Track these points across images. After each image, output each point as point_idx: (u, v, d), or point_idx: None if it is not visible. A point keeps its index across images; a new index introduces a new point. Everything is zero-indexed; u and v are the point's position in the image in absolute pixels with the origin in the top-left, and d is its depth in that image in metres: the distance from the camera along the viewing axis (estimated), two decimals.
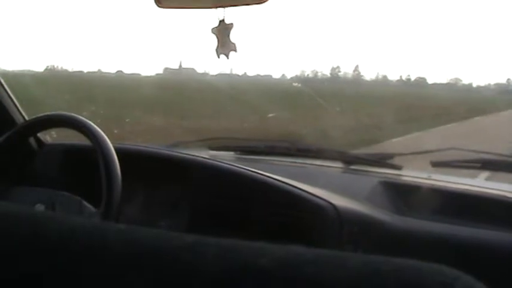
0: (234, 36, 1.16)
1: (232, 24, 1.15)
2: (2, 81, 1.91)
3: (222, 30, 1.15)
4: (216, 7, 1.13)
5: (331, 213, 1.49)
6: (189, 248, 0.44)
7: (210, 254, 0.43)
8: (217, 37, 1.16)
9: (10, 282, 0.44)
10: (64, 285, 0.43)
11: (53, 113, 1.68)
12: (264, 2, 1.14)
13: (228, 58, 1.18)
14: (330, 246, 1.47)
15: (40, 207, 1.52)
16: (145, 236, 0.46)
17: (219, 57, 1.17)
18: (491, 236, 1.46)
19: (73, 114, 1.63)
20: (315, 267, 0.41)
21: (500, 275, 1.37)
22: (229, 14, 1.15)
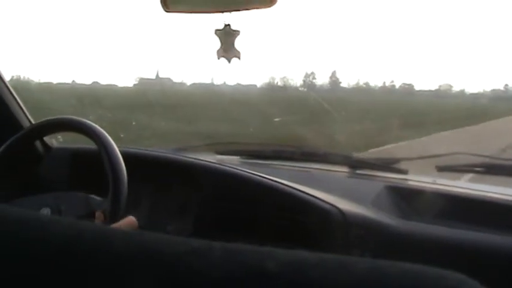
0: (238, 44, 1.16)
1: (239, 31, 1.15)
2: (9, 85, 1.92)
3: (226, 34, 1.15)
4: (223, 11, 1.14)
5: (337, 218, 1.49)
6: (195, 252, 0.44)
7: (216, 258, 0.43)
8: (220, 40, 1.16)
9: (11, 284, 0.44)
10: (66, 287, 0.43)
11: (60, 117, 1.68)
12: (271, 6, 1.14)
13: (229, 62, 1.18)
14: (336, 250, 1.47)
15: (46, 211, 1.52)
16: (151, 240, 0.47)
17: (219, 59, 1.17)
18: (497, 241, 1.46)
19: (79, 118, 1.63)
20: (321, 271, 0.41)
21: (506, 280, 1.36)
22: (234, 19, 1.15)
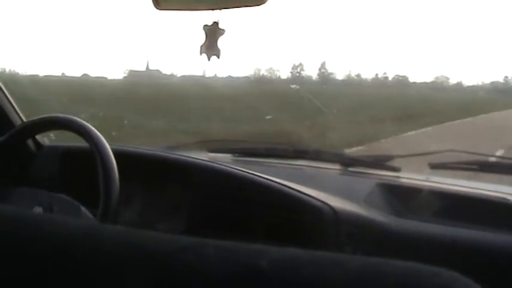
0: (221, 42, 1.16)
1: (224, 30, 1.15)
2: (0, 83, 1.91)
3: (213, 32, 1.15)
4: (214, 9, 1.13)
5: (329, 215, 1.49)
6: (188, 250, 0.44)
7: (209, 255, 0.43)
8: (206, 36, 1.16)
9: (10, 283, 0.44)
10: (63, 286, 0.43)
11: (51, 115, 1.68)
12: (262, 3, 1.14)
13: (209, 60, 1.18)
14: (328, 248, 1.47)
15: (38, 210, 1.52)
16: (144, 238, 0.46)
17: (200, 54, 1.17)
18: (489, 238, 1.46)
19: (71, 116, 1.63)
20: (314, 269, 0.41)
21: (498, 277, 1.37)
22: (224, 16, 1.15)
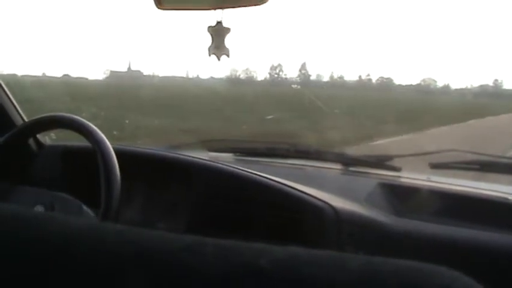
0: (229, 41, 1.16)
1: (229, 28, 1.15)
2: (2, 83, 1.92)
3: (218, 32, 1.15)
4: (216, 8, 1.13)
5: (329, 215, 1.50)
6: (189, 248, 0.44)
7: (210, 254, 0.43)
8: (212, 37, 1.16)
9: (11, 283, 0.44)
10: (64, 285, 0.43)
11: (52, 114, 1.68)
12: (263, 3, 1.14)
13: (219, 60, 1.18)
14: (329, 247, 1.46)
15: (40, 209, 1.52)
16: (145, 237, 0.47)
17: (210, 56, 1.17)
18: (490, 238, 1.46)
19: (72, 115, 1.63)
20: (314, 268, 0.41)
21: (499, 277, 1.37)
22: (226, 16, 1.15)
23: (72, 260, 0.44)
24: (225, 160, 1.90)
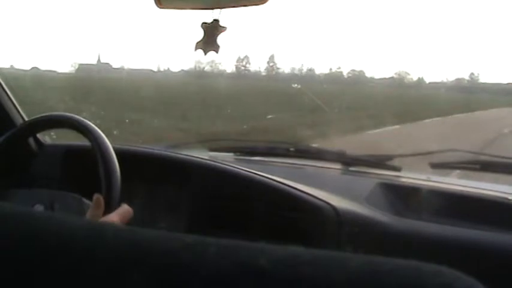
0: (221, 39, 1.16)
1: (225, 28, 1.15)
2: (2, 82, 1.91)
3: (212, 29, 1.15)
4: (216, 8, 1.13)
5: (330, 215, 1.50)
6: (189, 248, 0.44)
7: (210, 254, 0.43)
8: (204, 32, 1.16)
9: (9, 283, 0.44)
10: (63, 286, 0.43)
11: (52, 113, 1.68)
12: (264, 3, 1.14)
13: (205, 54, 1.18)
14: (329, 247, 1.47)
15: (39, 208, 1.52)
16: (145, 237, 0.46)
17: (195, 50, 1.17)
18: (490, 238, 1.46)
19: (72, 114, 1.63)
20: (314, 267, 0.41)
21: (499, 277, 1.37)
22: (224, 16, 1.15)
23: (71, 260, 0.44)
24: (225, 160, 1.91)
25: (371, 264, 0.41)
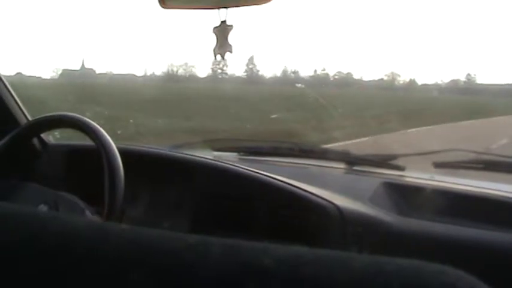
0: (232, 38, 1.16)
1: (232, 26, 1.16)
2: (6, 82, 1.92)
3: (222, 31, 1.16)
4: (220, 8, 1.13)
5: (334, 214, 1.50)
6: (193, 248, 0.44)
7: (214, 254, 0.43)
8: (216, 37, 1.16)
9: (12, 282, 0.44)
10: (67, 285, 0.43)
11: (57, 113, 1.68)
12: (268, 2, 1.14)
13: (223, 58, 1.18)
14: (333, 246, 1.47)
15: (43, 208, 1.52)
16: (149, 237, 0.47)
17: (215, 57, 1.18)
18: (494, 237, 1.46)
19: (76, 114, 1.63)
20: (319, 267, 0.41)
21: (503, 276, 1.37)
22: (230, 15, 1.15)
23: (74, 260, 0.44)
24: (229, 159, 1.91)
25: (374, 264, 0.41)
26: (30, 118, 1.95)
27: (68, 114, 1.65)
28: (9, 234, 0.47)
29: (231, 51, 1.18)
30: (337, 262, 0.42)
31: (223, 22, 1.15)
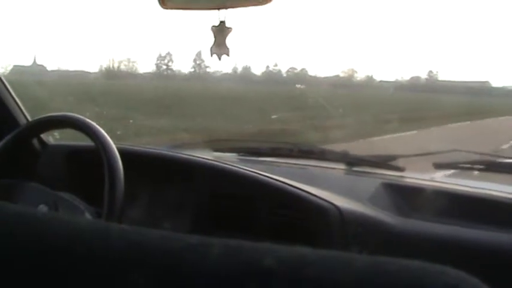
0: (230, 40, 1.16)
1: (231, 28, 1.16)
2: (5, 82, 1.92)
3: (221, 31, 1.16)
4: (220, 8, 1.13)
5: (333, 215, 1.49)
6: (193, 248, 0.44)
7: (214, 254, 0.43)
8: (214, 36, 1.16)
9: (12, 282, 0.44)
10: (67, 285, 0.43)
11: (56, 114, 1.68)
12: (268, 3, 1.14)
13: (219, 59, 1.18)
14: (333, 247, 1.46)
15: (43, 208, 1.52)
16: (149, 237, 0.46)
17: (212, 56, 1.18)
18: (494, 238, 1.46)
19: (76, 115, 1.63)
20: (319, 267, 0.41)
21: (504, 277, 1.36)
22: (229, 16, 1.14)
23: (74, 260, 0.44)
24: (228, 160, 1.91)
25: (376, 265, 0.41)
26: (30, 118, 1.95)
27: (68, 114, 1.65)
28: (9, 234, 0.47)
29: (227, 54, 1.18)
30: (339, 263, 0.42)
31: (222, 22, 1.15)
